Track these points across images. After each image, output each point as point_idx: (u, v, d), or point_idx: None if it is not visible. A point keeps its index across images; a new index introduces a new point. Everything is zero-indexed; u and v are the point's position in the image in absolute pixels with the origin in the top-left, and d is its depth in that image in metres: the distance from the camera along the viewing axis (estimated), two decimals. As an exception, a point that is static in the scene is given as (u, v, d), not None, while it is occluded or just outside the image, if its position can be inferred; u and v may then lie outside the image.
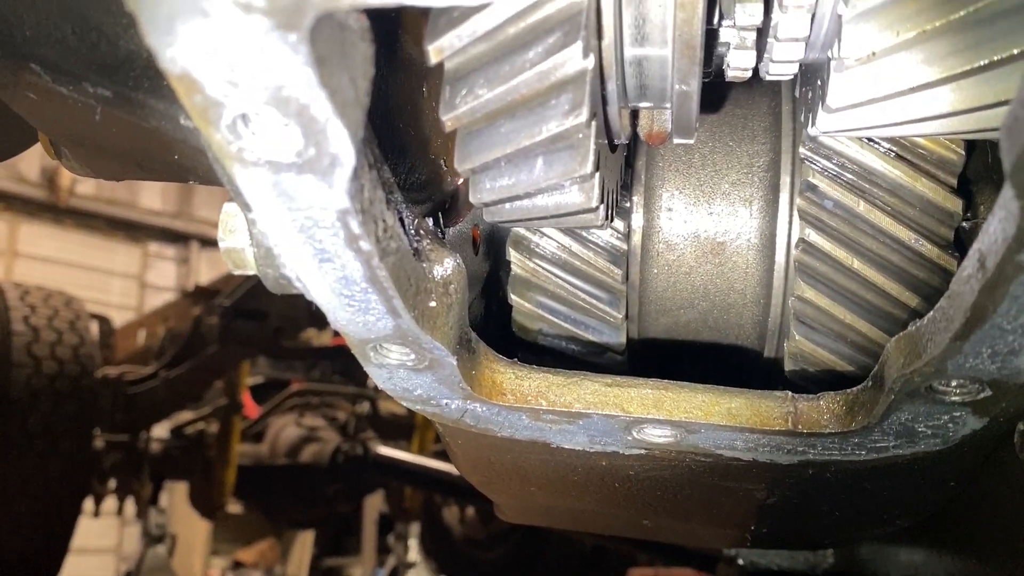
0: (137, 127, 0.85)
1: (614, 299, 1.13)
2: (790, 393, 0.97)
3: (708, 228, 1.11)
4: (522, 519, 1.70)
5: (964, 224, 1.06)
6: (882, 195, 1.04)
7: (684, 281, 1.13)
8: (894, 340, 0.86)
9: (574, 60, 0.70)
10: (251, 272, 0.80)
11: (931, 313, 0.78)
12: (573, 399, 0.97)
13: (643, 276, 1.14)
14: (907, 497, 1.20)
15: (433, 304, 0.82)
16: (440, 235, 0.96)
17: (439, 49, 0.73)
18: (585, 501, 1.36)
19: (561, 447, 1.06)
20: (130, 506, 5.73)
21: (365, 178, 0.63)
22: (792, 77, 0.90)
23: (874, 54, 0.79)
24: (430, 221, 0.92)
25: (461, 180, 0.99)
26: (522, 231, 1.13)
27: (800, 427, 0.95)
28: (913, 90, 0.80)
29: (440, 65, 0.76)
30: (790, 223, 1.06)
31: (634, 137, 0.98)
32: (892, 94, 0.81)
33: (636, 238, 1.13)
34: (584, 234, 1.13)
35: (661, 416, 0.95)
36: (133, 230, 16.20)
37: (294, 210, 0.61)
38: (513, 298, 1.15)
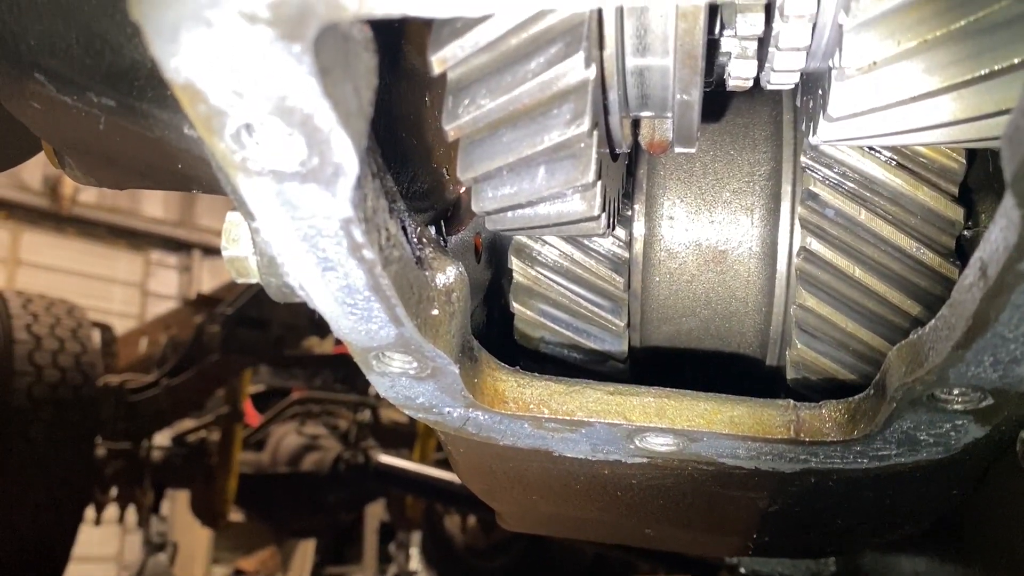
0: (141, 136, 0.85)
1: (616, 307, 1.13)
2: (792, 401, 0.97)
3: (710, 236, 1.12)
4: (524, 528, 1.70)
5: (965, 233, 1.06)
6: (883, 204, 1.04)
7: (686, 289, 1.13)
8: (896, 349, 0.86)
9: (576, 70, 0.71)
10: (254, 281, 0.80)
11: (933, 322, 0.78)
12: (575, 407, 0.97)
13: (645, 284, 1.14)
14: (909, 505, 1.19)
15: (435, 312, 0.82)
16: (442, 243, 0.96)
17: (442, 59, 0.73)
18: (587, 510, 1.36)
19: (563, 455, 1.06)
20: (131, 514, 5.72)
21: (368, 187, 0.63)
22: (793, 86, 0.90)
23: (875, 63, 0.79)
24: (432, 230, 0.92)
25: (463, 189, 0.99)
26: (524, 239, 1.13)
27: (802, 435, 0.95)
28: (914, 99, 0.80)
29: (443, 75, 0.76)
30: (792, 232, 1.07)
31: (635, 146, 0.98)
32: (893, 103, 0.81)
33: (638, 246, 1.13)
34: (586, 242, 1.13)
35: (663, 425, 0.95)
36: (135, 238, 16.21)
37: (298, 219, 0.62)
38: (515, 306, 1.15)
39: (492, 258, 1.18)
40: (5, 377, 4.18)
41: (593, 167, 0.77)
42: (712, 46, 0.84)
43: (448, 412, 0.98)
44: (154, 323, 7.21)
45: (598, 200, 0.83)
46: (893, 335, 1.04)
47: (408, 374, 0.89)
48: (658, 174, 1.14)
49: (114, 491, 5.48)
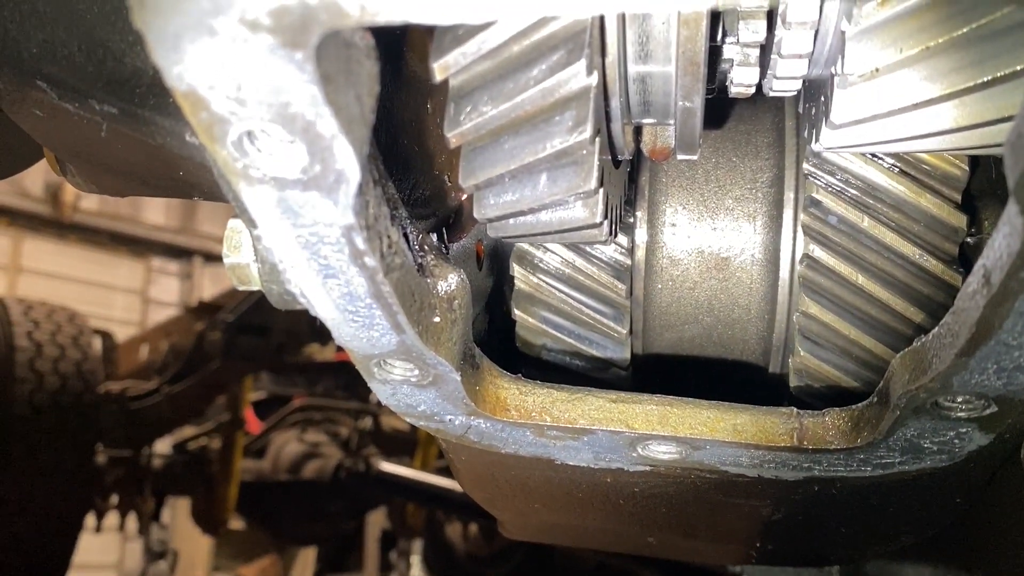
0: (142, 144, 0.85)
1: (618, 314, 1.13)
2: (795, 409, 0.97)
3: (712, 243, 1.11)
4: (526, 536, 1.69)
5: (968, 240, 1.06)
6: (886, 211, 1.04)
7: (688, 296, 1.13)
8: (899, 356, 0.86)
9: (578, 77, 0.71)
10: (255, 288, 0.80)
11: (936, 329, 0.78)
12: (577, 415, 0.97)
13: (647, 291, 1.14)
14: (913, 513, 1.19)
15: (437, 320, 0.82)
16: (444, 250, 0.96)
17: (444, 66, 0.73)
18: (589, 518, 1.36)
19: (565, 463, 1.06)
20: (132, 522, 5.71)
21: (370, 194, 0.63)
22: (795, 93, 0.90)
23: (877, 70, 0.79)
24: (434, 237, 0.92)
25: (465, 196, 0.99)
26: (526, 246, 1.13)
27: (805, 443, 0.95)
28: (916, 106, 0.80)
29: (445, 82, 0.76)
30: (794, 238, 1.06)
31: (637, 153, 0.98)
32: (895, 110, 0.81)
33: (640, 253, 1.13)
34: (588, 249, 1.13)
35: (666, 432, 0.95)
36: (136, 245, 16.23)
37: (299, 226, 0.62)
38: (517, 313, 1.15)
39: (494, 265, 1.18)
40: (6, 384, 4.18)
41: (595, 174, 0.77)
42: (714, 53, 0.84)
43: (450, 420, 0.98)
44: (155, 330, 7.21)
45: (600, 207, 0.83)
46: (896, 342, 1.03)
47: (410, 381, 0.88)
48: (660, 181, 1.14)
49: (115, 498, 5.48)
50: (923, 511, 1.18)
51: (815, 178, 1.05)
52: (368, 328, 0.76)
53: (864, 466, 0.98)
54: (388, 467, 6.24)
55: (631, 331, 1.15)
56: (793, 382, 1.10)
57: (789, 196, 1.08)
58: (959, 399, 0.82)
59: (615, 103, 0.80)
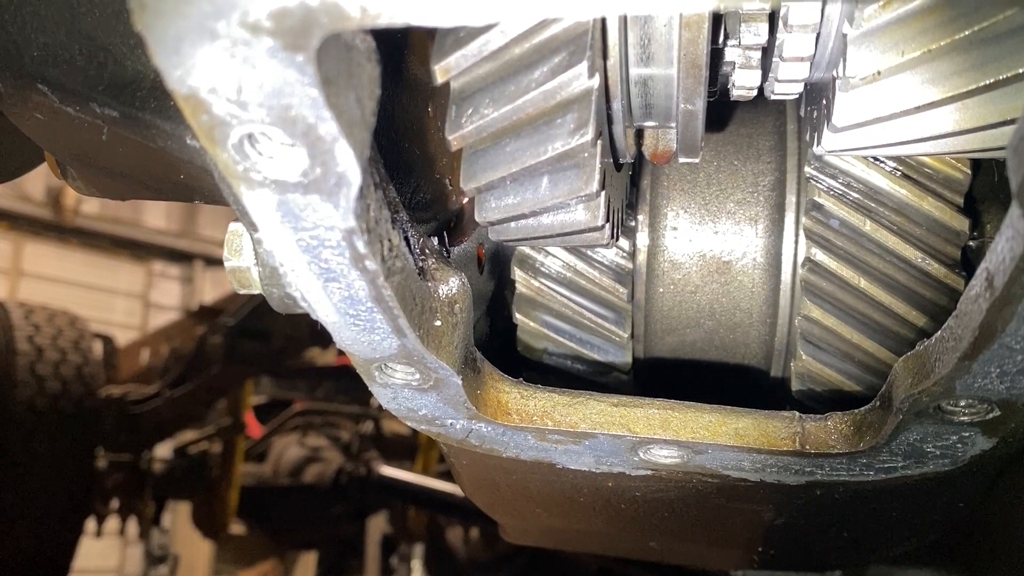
0: (143, 147, 0.85)
1: (619, 318, 1.13)
2: (797, 413, 0.97)
3: (714, 247, 1.11)
4: (527, 540, 1.69)
5: (971, 243, 1.06)
6: (888, 214, 1.04)
7: (690, 300, 1.13)
8: (902, 360, 0.86)
9: (579, 80, 0.71)
10: (256, 291, 0.80)
11: (939, 333, 0.78)
12: (579, 419, 0.97)
13: (648, 295, 1.13)
14: (916, 518, 1.18)
15: (438, 323, 0.82)
16: (445, 254, 0.96)
17: (445, 69, 0.73)
18: (591, 522, 1.35)
19: (567, 468, 1.06)
20: (132, 526, 5.70)
21: (371, 197, 0.63)
22: (797, 96, 0.90)
23: (879, 73, 0.79)
24: (435, 240, 0.92)
25: (466, 199, 0.99)
26: (527, 250, 1.13)
27: (808, 447, 0.94)
28: (918, 109, 0.80)
29: (446, 85, 0.76)
30: (796, 242, 1.06)
31: (639, 156, 0.98)
32: (897, 113, 0.81)
33: (641, 257, 1.12)
34: (589, 253, 1.13)
35: (668, 436, 0.95)
36: (137, 249, 16.24)
37: (300, 230, 0.61)
38: (518, 317, 1.14)
39: (495, 269, 1.18)
40: (7, 388, 4.18)
41: (597, 177, 0.77)
42: (716, 55, 0.84)
43: (451, 424, 0.98)
44: (156, 334, 7.21)
45: (602, 210, 0.83)
46: (899, 346, 1.03)
47: (411, 385, 0.88)
48: (662, 184, 1.14)
49: (115, 503, 5.47)
50: (925, 515, 1.18)
51: (817, 181, 1.05)
52: (369, 332, 0.76)
53: (866, 470, 0.97)
54: (389, 471, 6.23)
55: (632, 335, 1.14)
56: (795, 386, 1.10)
57: (791, 200, 1.07)
58: (962, 403, 0.82)
59: (617, 106, 0.80)
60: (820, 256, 1.05)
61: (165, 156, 0.84)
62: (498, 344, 1.22)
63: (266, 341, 5.21)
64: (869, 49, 0.78)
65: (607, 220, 0.85)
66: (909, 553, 1.43)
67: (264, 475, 6.80)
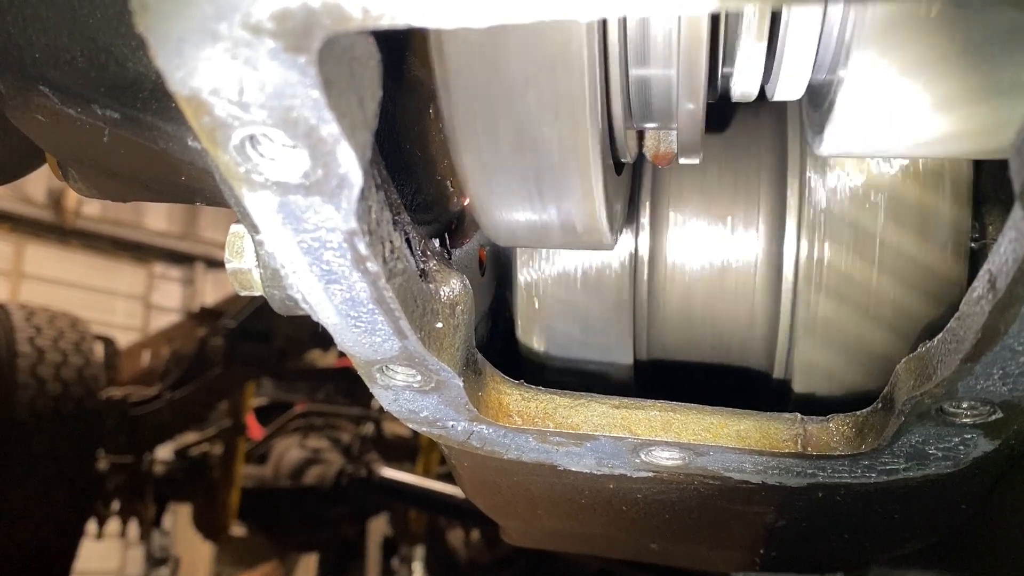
0: (145, 148, 0.85)
1: (621, 319, 1.13)
2: (799, 415, 0.97)
3: (715, 248, 1.11)
4: (528, 543, 1.69)
5: (973, 245, 1.06)
6: (890, 214, 1.04)
7: (691, 301, 1.13)
8: (904, 361, 0.86)
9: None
10: (257, 293, 0.80)
11: (941, 334, 0.78)
12: (580, 421, 0.96)
13: (650, 296, 1.13)
14: (917, 520, 1.18)
15: (440, 325, 0.82)
16: (447, 256, 0.95)
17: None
18: (592, 524, 1.35)
19: (568, 469, 1.06)
20: (133, 528, 5.70)
21: (372, 199, 0.63)
22: (798, 98, 0.90)
23: (881, 74, 0.79)
24: (437, 242, 0.92)
25: (467, 201, 0.99)
26: (528, 252, 1.13)
27: (809, 449, 0.94)
28: (920, 111, 0.79)
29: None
30: (797, 243, 1.06)
31: (640, 158, 0.98)
32: (899, 115, 0.81)
33: (643, 258, 1.12)
34: (591, 255, 1.13)
35: (669, 438, 0.95)
36: (139, 251, 16.26)
37: (301, 231, 0.61)
38: (519, 319, 1.14)
39: (496, 270, 1.18)
40: (8, 390, 4.19)
41: (598, 180, 0.77)
42: (716, 57, 0.84)
43: (452, 426, 0.98)
44: (157, 336, 7.21)
45: (603, 213, 0.83)
46: (901, 348, 1.03)
47: (412, 387, 0.88)
48: (663, 186, 1.14)
49: (116, 505, 5.48)
50: (927, 518, 1.18)
51: (818, 182, 1.05)
52: (370, 334, 0.76)
53: (868, 472, 0.97)
54: (390, 473, 6.23)
55: (634, 336, 1.14)
56: (797, 387, 1.09)
57: (792, 201, 1.07)
58: (964, 405, 0.82)
59: (617, 107, 0.80)
60: (821, 257, 1.05)
61: (166, 158, 0.84)
62: (499, 346, 1.22)
63: (267, 343, 5.22)
64: (871, 51, 0.78)
65: (609, 223, 0.84)
66: (911, 555, 1.43)
67: (265, 477, 6.80)
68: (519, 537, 1.64)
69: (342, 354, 0.82)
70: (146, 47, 0.47)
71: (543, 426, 0.96)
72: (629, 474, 1.05)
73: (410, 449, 6.97)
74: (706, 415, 0.96)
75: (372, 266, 0.65)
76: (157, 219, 16.52)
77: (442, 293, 0.82)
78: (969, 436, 0.88)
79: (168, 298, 16.70)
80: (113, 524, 5.55)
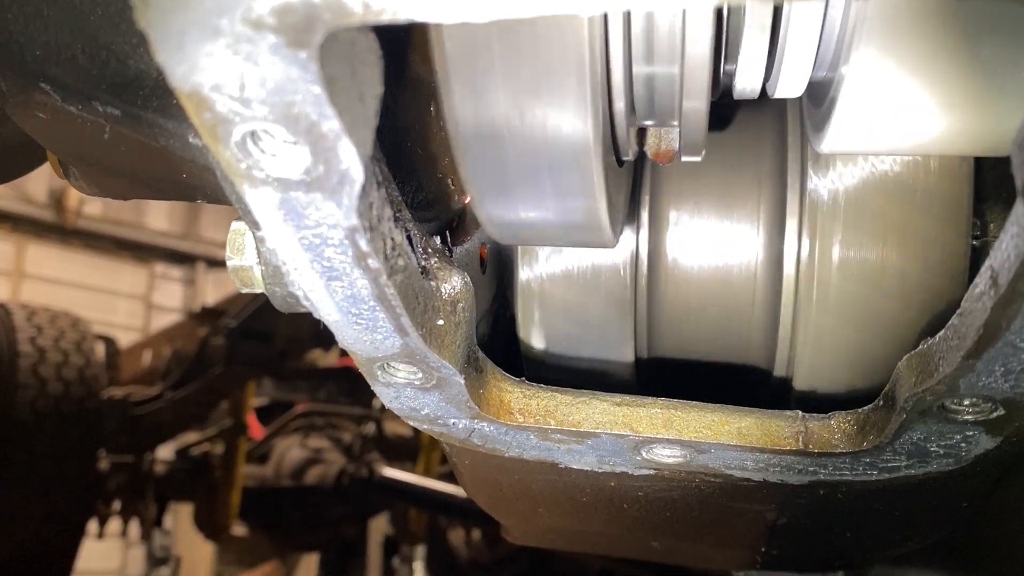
0: (146, 146, 0.85)
1: (622, 317, 1.12)
2: (800, 412, 0.97)
3: (716, 245, 1.11)
4: (529, 541, 1.69)
5: (974, 242, 1.06)
6: (891, 213, 1.03)
7: (692, 299, 1.13)
8: (905, 358, 0.85)
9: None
10: (259, 291, 0.80)
11: (943, 331, 0.77)
12: (581, 418, 0.96)
13: (651, 294, 1.13)
14: (919, 518, 1.18)
15: (441, 322, 0.82)
16: (448, 253, 0.95)
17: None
18: (593, 522, 1.35)
19: (569, 467, 1.05)
20: (134, 528, 5.70)
21: (374, 196, 0.63)
22: (800, 95, 0.90)
23: (882, 72, 0.79)
24: (438, 239, 0.92)
25: (468, 199, 0.99)
26: (529, 249, 1.13)
27: (811, 447, 0.94)
28: (922, 108, 0.79)
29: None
30: (798, 240, 1.06)
31: (641, 155, 0.98)
32: (900, 113, 0.80)
33: (643, 256, 1.12)
34: (592, 252, 1.13)
35: (670, 436, 0.95)
36: (140, 251, 16.27)
37: (303, 228, 0.61)
38: (520, 316, 1.14)
39: (497, 268, 1.18)
40: (9, 390, 4.19)
41: (599, 178, 0.76)
42: (719, 54, 0.84)
43: (453, 423, 0.98)
44: (158, 336, 7.21)
45: (604, 211, 0.83)
46: (902, 344, 1.03)
47: (413, 384, 0.88)
48: (664, 183, 1.14)
49: (117, 504, 5.48)
50: (929, 515, 1.18)
51: (819, 180, 1.05)
52: (372, 331, 0.76)
53: (870, 470, 0.97)
54: (391, 472, 6.23)
55: (635, 334, 1.14)
56: (798, 385, 1.09)
57: (793, 198, 1.07)
58: (966, 402, 0.82)
59: (619, 104, 0.80)
60: (822, 254, 1.04)
61: (167, 155, 0.84)
62: (500, 343, 1.22)
63: (268, 343, 5.22)
64: (872, 49, 0.78)
65: (610, 221, 0.84)
66: (912, 553, 1.43)
67: (266, 476, 6.80)
68: (520, 536, 1.64)
69: (343, 354, 0.82)
70: (147, 43, 0.47)
71: (544, 423, 0.96)
72: (630, 472, 1.05)
73: (411, 449, 6.97)
74: (707, 412, 0.95)
75: (373, 263, 0.65)
76: (158, 219, 16.53)
77: (443, 290, 0.82)
78: (971, 433, 0.87)
79: (169, 298, 16.71)
80: (114, 524, 5.55)
